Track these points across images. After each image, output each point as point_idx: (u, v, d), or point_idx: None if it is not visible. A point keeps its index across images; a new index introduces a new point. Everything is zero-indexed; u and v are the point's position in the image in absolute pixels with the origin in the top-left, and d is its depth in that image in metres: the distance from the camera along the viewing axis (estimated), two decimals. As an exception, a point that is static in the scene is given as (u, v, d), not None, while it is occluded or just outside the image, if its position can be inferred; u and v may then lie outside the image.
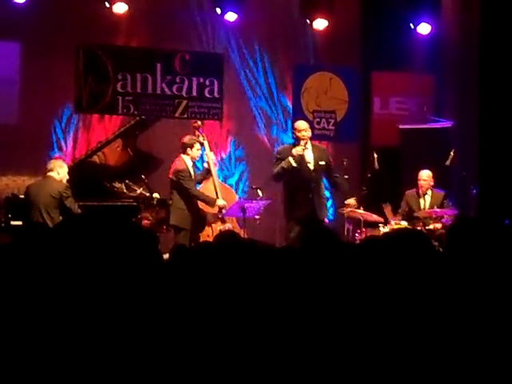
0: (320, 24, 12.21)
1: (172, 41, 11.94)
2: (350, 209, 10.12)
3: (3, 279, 2.86)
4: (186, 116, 11.86)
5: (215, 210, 10.20)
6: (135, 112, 11.55)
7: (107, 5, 11.22)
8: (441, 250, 6.26)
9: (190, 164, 10.22)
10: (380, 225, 10.20)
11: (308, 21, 12.27)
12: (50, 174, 9.52)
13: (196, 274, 3.13)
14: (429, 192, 10.77)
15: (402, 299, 2.94)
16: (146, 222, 10.13)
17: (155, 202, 10.14)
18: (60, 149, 11.38)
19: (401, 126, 12.34)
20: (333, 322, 2.96)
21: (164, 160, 11.01)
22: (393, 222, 10.28)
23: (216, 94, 12.05)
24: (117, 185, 10.60)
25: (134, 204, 10.35)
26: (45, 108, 11.24)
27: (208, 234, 10.15)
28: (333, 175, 9.98)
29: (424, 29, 12.54)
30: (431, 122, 12.36)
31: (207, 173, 10.50)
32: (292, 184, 9.76)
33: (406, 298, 2.94)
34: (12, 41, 11.01)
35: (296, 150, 9.65)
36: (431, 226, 10.33)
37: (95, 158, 10.77)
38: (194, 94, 11.94)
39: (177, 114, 11.87)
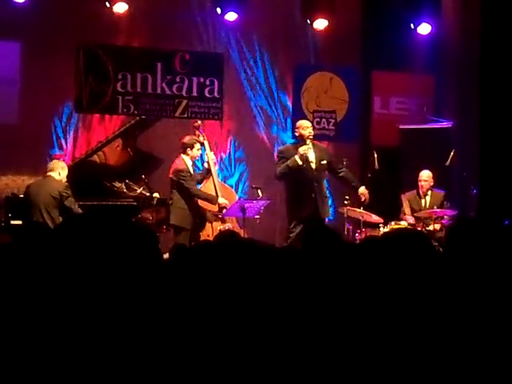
0: (320, 24, 12.21)
1: (172, 40, 11.94)
2: (362, 199, 9.99)
3: (3, 279, 2.86)
4: (186, 116, 11.86)
5: (216, 208, 10.20)
6: (135, 112, 11.55)
7: (107, 4, 11.22)
8: (441, 250, 6.26)
9: (189, 164, 10.23)
10: (380, 225, 10.21)
11: (308, 21, 12.27)
12: (50, 173, 9.52)
13: (196, 274, 3.12)
14: (429, 192, 10.78)
15: (401, 299, 2.94)
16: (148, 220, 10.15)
17: (155, 202, 10.14)
18: (60, 148, 11.38)
19: (401, 126, 12.35)
20: (333, 322, 2.96)
21: (164, 160, 11.01)
22: (393, 223, 10.29)
23: (216, 94, 12.05)
24: (117, 184, 10.60)
25: (134, 204, 10.35)
26: (45, 108, 11.25)
27: (208, 233, 10.15)
28: (337, 172, 10.02)
29: (424, 29, 12.55)
30: (431, 122, 12.36)
31: (207, 172, 10.50)
32: (294, 184, 9.78)
33: (406, 298, 2.94)
34: (12, 40, 11.01)
35: (303, 149, 9.69)
36: (431, 227, 10.33)
37: (95, 158, 10.77)
38: (194, 93, 11.94)
39: (177, 114, 11.87)
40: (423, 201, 10.77)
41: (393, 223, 10.27)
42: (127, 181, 10.62)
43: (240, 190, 12.08)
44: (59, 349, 2.25)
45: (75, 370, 2.24)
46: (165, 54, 11.83)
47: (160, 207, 10.25)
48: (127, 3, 11.25)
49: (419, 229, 10.04)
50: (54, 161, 10.01)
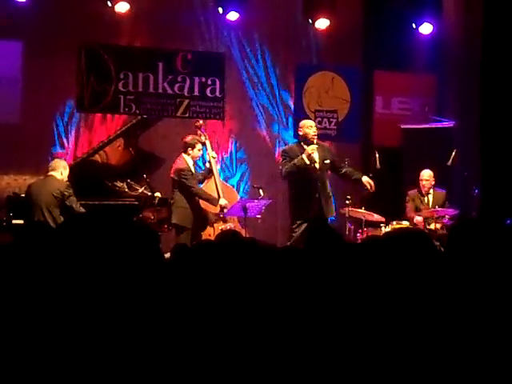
0: (322, 23, 12.21)
1: (174, 40, 11.94)
2: (368, 187, 9.92)
3: (5, 278, 2.86)
4: (187, 115, 11.86)
5: (217, 209, 10.20)
6: (137, 111, 11.55)
7: (109, 4, 11.22)
8: (442, 249, 6.26)
9: (191, 163, 10.23)
10: (381, 224, 10.21)
11: (310, 20, 12.27)
12: (52, 173, 9.51)
13: (197, 273, 3.12)
14: (430, 191, 10.79)
15: (403, 299, 2.94)
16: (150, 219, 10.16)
17: (157, 202, 10.14)
18: (62, 147, 11.39)
19: (403, 126, 12.35)
20: (334, 322, 2.96)
21: (165, 159, 11.01)
22: (394, 222, 10.29)
23: (218, 94, 12.05)
24: (118, 184, 10.61)
25: (136, 203, 10.35)
26: (47, 107, 11.25)
27: (209, 233, 10.15)
28: (339, 170, 10.03)
29: (426, 29, 12.55)
30: (433, 121, 12.36)
31: (209, 172, 10.50)
32: (298, 184, 9.79)
33: (408, 298, 2.94)
34: (14, 40, 11.01)
35: (311, 148, 9.70)
36: (432, 226, 10.33)
37: (97, 157, 10.77)
38: (196, 93, 11.94)
39: (178, 114, 11.87)
40: (426, 199, 10.77)
41: (394, 223, 10.27)
42: (129, 180, 10.63)
43: (241, 190, 12.08)
44: (61, 347, 2.25)
45: (77, 369, 2.24)
46: (166, 54, 11.83)
47: (161, 207, 10.25)
48: (129, 3, 11.25)
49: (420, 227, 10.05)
50: (56, 160, 10.01)
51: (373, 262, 3.17)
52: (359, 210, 10.19)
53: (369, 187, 9.89)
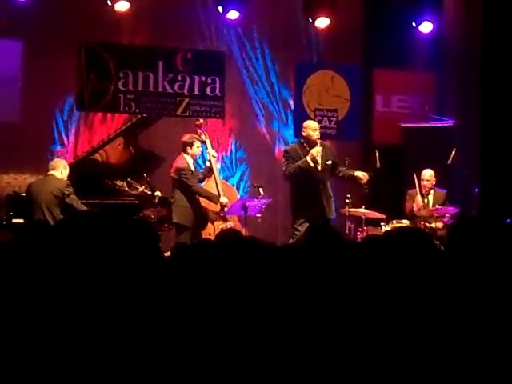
0: (322, 22, 12.21)
1: (174, 39, 11.94)
2: (362, 181, 9.89)
3: (4, 277, 2.86)
4: (187, 114, 11.86)
5: (218, 207, 10.20)
6: (137, 110, 11.55)
7: (109, 3, 11.22)
8: (442, 248, 6.26)
9: (191, 162, 10.23)
10: (382, 223, 10.21)
11: (310, 19, 12.27)
12: (52, 172, 9.52)
13: (197, 272, 3.13)
14: (431, 191, 10.78)
15: (402, 298, 2.94)
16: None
17: (157, 201, 10.13)
18: (62, 144, 11.39)
19: (403, 125, 12.35)
20: (334, 320, 2.96)
21: (166, 158, 11.00)
22: (394, 221, 10.29)
23: (218, 92, 12.05)
24: (118, 183, 10.60)
25: (136, 202, 10.35)
26: (47, 106, 11.25)
27: (209, 232, 10.15)
28: (337, 171, 10.01)
29: (426, 27, 12.56)
30: (433, 120, 12.36)
31: (209, 171, 10.50)
32: (300, 184, 9.79)
33: (407, 297, 2.94)
34: (14, 39, 11.01)
35: (316, 151, 9.69)
36: (433, 225, 10.33)
37: (97, 156, 10.77)
38: (196, 92, 11.94)
39: (178, 112, 11.87)
40: (425, 200, 10.76)
41: (394, 221, 10.27)
42: (129, 179, 10.62)
43: (241, 189, 12.08)
44: (61, 345, 2.25)
45: (77, 366, 2.24)
46: (166, 53, 11.83)
47: (161, 206, 10.24)
48: (129, 1, 11.25)
49: (421, 227, 10.05)
50: (57, 159, 10.01)
51: (372, 261, 3.17)
52: (360, 210, 10.18)
53: (362, 177, 9.87)
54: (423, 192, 10.75)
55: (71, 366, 2.24)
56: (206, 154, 10.72)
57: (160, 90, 11.76)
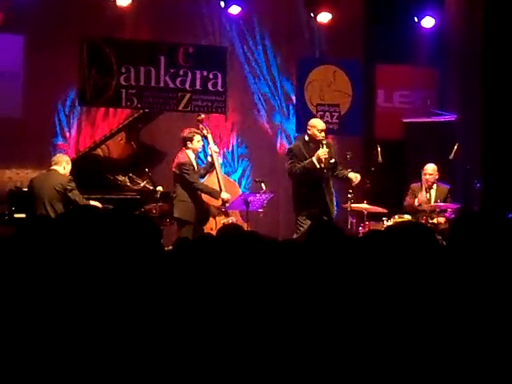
0: (324, 17, 12.19)
1: (175, 34, 11.92)
2: (354, 182, 9.91)
3: (6, 270, 2.86)
4: (189, 109, 11.85)
5: (219, 202, 10.21)
6: (138, 105, 11.54)
7: (111, -2, 11.22)
8: (444, 243, 6.26)
9: (192, 157, 10.23)
10: (384, 218, 10.21)
11: (312, 14, 12.26)
12: (54, 167, 9.53)
13: (198, 267, 3.12)
14: (434, 186, 10.77)
15: (404, 292, 2.94)
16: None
17: (158, 196, 10.13)
18: (63, 138, 11.39)
19: (405, 120, 12.35)
20: (335, 315, 2.96)
21: (167, 153, 11.00)
22: (396, 216, 10.29)
23: (220, 88, 12.04)
24: (120, 178, 10.61)
25: (138, 197, 10.36)
26: (49, 101, 11.25)
27: (211, 227, 10.16)
28: (335, 171, 10.01)
29: (428, 22, 12.54)
30: (435, 115, 12.35)
31: (211, 166, 10.50)
32: (304, 183, 9.78)
33: (409, 292, 2.94)
34: (16, 34, 11.00)
35: (323, 154, 9.67)
36: (435, 220, 10.33)
37: (99, 151, 10.77)
38: (198, 87, 11.92)
39: (180, 108, 11.86)
40: (428, 194, 10.76)
41: (396, 216, 10.27)
42: (131, 174, 10.62)
43: (243, 185, 12.07)
44: (63, 337, 2.26)
45: (80, 360, 2.25)
46: (168, 48, 11.81)
47: (163, 201, 10.25)
48: (130, -4, 11.26)
49: (422, 222, 10.05)
50: (59, 154, 10.01)
51: (374, 256, 3.17)
52: (361, 205, 10.18)
53: (354, 179, 9.88)
54: (426, 186, 10.75)
55: (72, 357, 2.25)
56: (207, 149, 10.72)
57: (162, 84, 11.75)
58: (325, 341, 2.82)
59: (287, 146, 11.69)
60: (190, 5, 11.87)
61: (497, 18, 12.03)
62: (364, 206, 10.18)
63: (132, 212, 9.30)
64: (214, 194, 10.16)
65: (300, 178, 9.81)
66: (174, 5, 11.73)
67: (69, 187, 9.33)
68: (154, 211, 10.11)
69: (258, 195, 10.08)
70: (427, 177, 10.72)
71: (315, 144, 9.84)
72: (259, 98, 12.42)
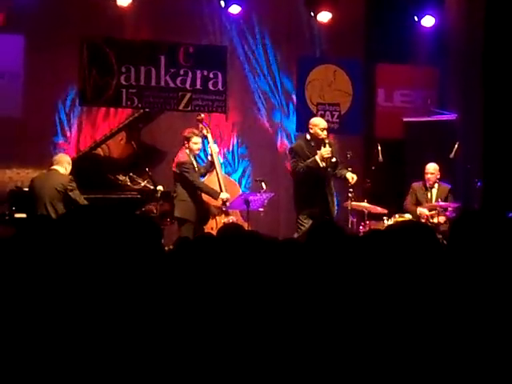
0: (324, 16, 12.19)
1: (176, 33, 11.92)
2: (351, 182, 9.92)
3: (7, 271, 2.86)
4: (189, 109, 11.85)
5: (219, 202, 10.21)
6: (139, 105, 11.55)
7: (111, -3, 11.23)
8: (445, 242, 6.26)
9: (191, 156, 10.24)
10: (384, 217, 10.21)
11: (312, 13, 12.26)
12: (55, 167, 9.53)
13: (199, 266, 3.13)
14: (435, 185, 10.78)
15: (405, 292, 2.94)
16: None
17: (159, 195, 10.13)
18: (64, 136, 11.40)
19: (405, 119, 12.34)
20: (335, 314, 2.96)
21: (168, 153, 11.00)
22: (397, 215, 10.30)
23: (220, 87, 12.04)
24: (121, 177, 10.60)
25: (138, 197, 10.36)
26: (49, 101, 11.25)
27: (212, 226, 10.16)
28: (336, 171, 10.01)
29: (428, 21, 12.54)
30: (435, 114, 12.35)
31: (211, 166, 10.50)
32: (307, 182, 9.77)
33: (410, 291, 2.94)
34: (16, 34, 11.00)
35: (326, 153, 9.68)
36: (435, 220, 10.33)
37: (99, 151, 10.77)
38: (198, 86, 11.93)
39: (181, 107, 11.86)
40: (429, 193, 10.77)
41: (397, 216, 10.27)
42: (131, 174, 10.61)
43: (243, 185, 12.07)
44: (64, 337, 2.26)
45: (81, 360, 2.25)
46: (168, 47, 11.82)
47: (164, 200, 10.25)
48: (131, -4, 11.26)
49: (423, 221, 10.05)
50: (61, 154, 10.02)
51: (375, 255, 3.17)
52: (362, 204, 10.19)
53: (350, 180, 9.88)
54: (427, 185, 10.76)
55: (74, 359, 2.25)
56: (207, 148, 10.73)
57: (162, 84, 11.75)
58: (325, 340, 2.82)
59: (288, 145, 11.72)
60: (190, 4, 11.87)
61: (497, 16, 12.02)
62: (364, 204, 10.18)
63: (132, 212, 9.31)
64: (213, 195, 10.16)
65: (303, 176, 9.80)
66: (174, 4, 11.73)
67: (70, 187, 9.33)
68: (155, 211, 10.11)
69: (258, 194, 10.08)
70: (429, 175, 10.74)
71: (317, 143, 9.84)
72: (259, 97, 12.41)
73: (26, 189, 9.73)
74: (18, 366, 2.27)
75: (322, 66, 12.68)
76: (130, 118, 10.98)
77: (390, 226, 7.67)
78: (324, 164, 9.75)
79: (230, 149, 12.26)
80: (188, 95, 11.87)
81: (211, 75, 12.01)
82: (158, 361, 2.35)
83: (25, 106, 11.01)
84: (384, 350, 2.75)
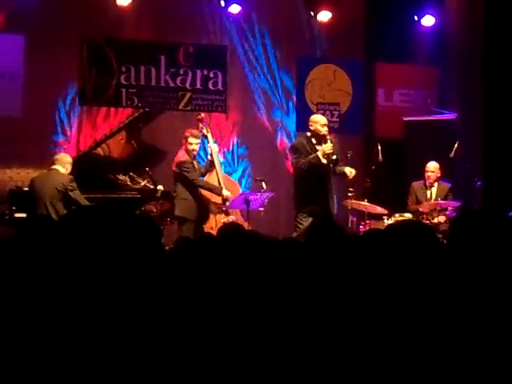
0: (324, 16, 12.21)
1: (176, 33, 11.93)
2: (349, 177, 9.93)
3: (7, 271, 2.86)
4: (189, 108, 11.86)
5: (220, 199, 10.19)
6: (139, 104, 11.56)
7: (111, -3, 11.24)
8: (445, 242, 6.26)
9: (191, 156, 10.26)
10: (384, 217, 10.21)
11: (312, 13, 12.27)
12: (55, 166, 9.52)
13: (198, 266, 3.13)
14: (435, 184, 10.79)
15: (405, 291, 2.94)
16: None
17: (159, 195, 10.14)
18: (64, 134, 11.40)
19: (405, 118, 12.35)
20: (335, 314, 2.96)
21: (168, 152, 11.01)
22: (397, 215, 10.30)
23: (220, 87, 12.05)
24: (121, 177, 10.60)
25: (138, 196, 10.36)
26: (49, 101, 11.26)
27: (211, 226, 10.16)
28: (335, 168, 10.02)
29: (428, 21, 12.55)
30: (435, 113, 12.35)
31: (211, 165, 10.50)
32: (308, 179, 9.77)
33: (410, 290, 2.94)
34: (16, 34, 11.01)
35: (328, 149, 9.68)
36: (435, 220, 10.32)
37: (99, 151, 10.77)
38: (198, 86, 11.94)
39: (180, 107, 11.87)
40: (429, 192, 10.78)
41: (397, 215, 10.27)
42: (131, 173, 10.62)
43: (243, 184, 12.07)
44: (65, 337, 2.26)
45: (81, 359, 2.25)
46: (168, 47, 11.83)
47: (164, 200, 10.25)
48: (131, -4, 11.27)
49: (424, 221, 10.05)
50: (63, 154, 10.02)
51: (375, 255, 3.17)
52: (362, 203, 10.19)
53: (348, 174, 9.87)
54: (427, 184, 10.78)
55: (74, 359, 2.25)
56: (207, 147, 10.73)
57: (162, 84, 11.76)
58: (325, 340, 2.82)
59: (288, 144, 11.72)
60: (190, 4, 11.88)
61: (498, 16, 12.02)
62: (364, 203, 10.19)
63: (132, 211, 9.30)
64: (216, 190, 10.17)
65: (305, 173, 9.78)
66: (174, 4, 11.74)
67: (70, 187, 9.33)
68: (155, 210, 10.11)
69: (258, 194, 10.08)
70: (429, 174, 10.75)
71: (318, 140, 9.84)
72: (259, 96, 12.42)
73: (26, 188, 9.72)
74: (18, 366, 2.27)
75: (321, 66, 12.69)
76: (130, 118, 10.99)
77: (389, 225, 7.67)
78: (325, 160, 9.75)
79: (230, 149, 12.27)
80: (188, 95, 11.88)
81: (211, 75, 12.01)
82: (158, 361, 2.36)
83: (25, 105, 11.02)
84: (384, 350, 2.75)
